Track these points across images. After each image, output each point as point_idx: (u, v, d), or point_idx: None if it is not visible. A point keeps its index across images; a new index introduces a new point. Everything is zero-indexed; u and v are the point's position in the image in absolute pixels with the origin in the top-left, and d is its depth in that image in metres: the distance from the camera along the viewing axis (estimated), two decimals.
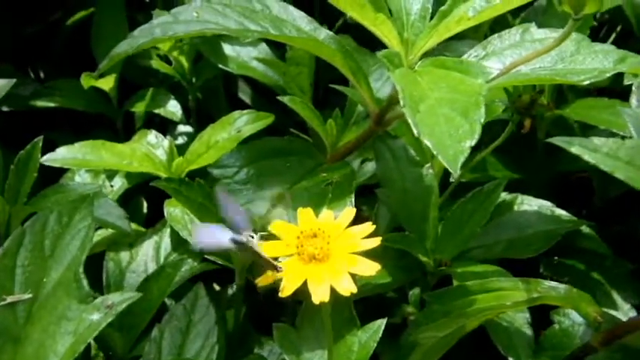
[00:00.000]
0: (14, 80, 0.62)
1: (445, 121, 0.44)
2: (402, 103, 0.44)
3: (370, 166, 0.75)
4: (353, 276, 0.46)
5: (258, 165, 0.58)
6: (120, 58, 0.53)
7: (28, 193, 0.61)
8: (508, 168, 0.77)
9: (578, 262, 0.72)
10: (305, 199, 0.56)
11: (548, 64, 0.56)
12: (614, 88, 0.77)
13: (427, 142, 0.43)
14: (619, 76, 0.79)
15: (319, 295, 0.45)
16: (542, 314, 0.63)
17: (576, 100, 0.76)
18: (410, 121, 0.44)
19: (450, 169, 0.43)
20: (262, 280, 0.47)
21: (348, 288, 0.45)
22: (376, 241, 0.48)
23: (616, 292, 0.70)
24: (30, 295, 0.45)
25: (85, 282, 0.45)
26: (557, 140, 0.45)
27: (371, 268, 0.46)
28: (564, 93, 0.78)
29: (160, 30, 0.56)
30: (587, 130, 0.77)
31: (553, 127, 0.76)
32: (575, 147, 0.43)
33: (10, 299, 0.44)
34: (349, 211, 0.50)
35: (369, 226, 0.49)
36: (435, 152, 0.43)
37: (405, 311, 0.69)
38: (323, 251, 0.47)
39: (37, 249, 0.46)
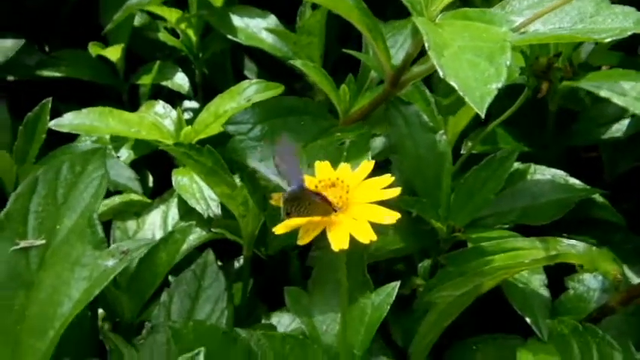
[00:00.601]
0: (23, 41, 0.61)
1: (470, 66, 0.44)
2: (427, 46, 0.44)
3: (379, 142, 0.74)
4: (373, 226, 0.46)
5: (273, 122, 0.57)
6: (133, 9, 0.52)
7: (36, 155, 0.61)
8: (518, 141, 0.76)
9: (589, 237, 0.71)
10: (320, 157, 0.55)
11: (568, 24, 0.55)
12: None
13: (453, 83, 0.43)
14: (630, 52, 0.79)
15: (338, 243, 0.44)
16: (556, 282, 0.63)
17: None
18: (435, 63, 0.43)
19: (476, 110, 0.42)
20: (280, 229, 0.46)
21: (367, 236, 0.45)
22: (396, 192, 0.47)
23: (627, 267, 0.69)
24: (43, 241, 0.44)
25: (99, 228, 0.44)
26: (586, 85, 0.44)
27: (391, 217, 0.45)
28: (576, 70, 0.78)
29: None
30: (598, 102, 0.76)
31: (564, 100, 0.76)
32: (604, 91, 0.43)
33: (23, 244, 0.44)
34: (367, 164, 0.49)
35: (387, 177, 0.48)
36: (461, 93, 0.42)
37: (414, 283, 0.68)
38: (342, 200, 0.46)
39: (50, 196, 0.45)
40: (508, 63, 0.44)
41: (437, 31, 0.47)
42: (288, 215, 0.46)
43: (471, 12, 0.50)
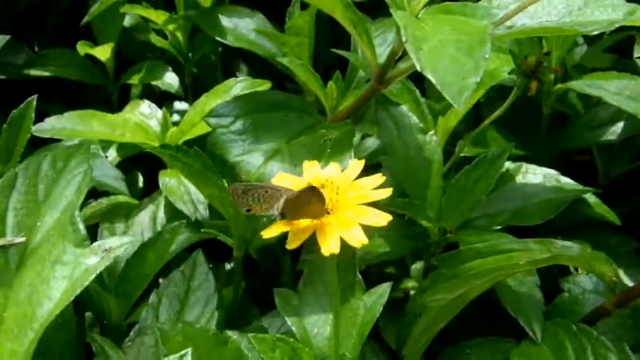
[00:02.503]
0: (8, 37, 0.60)
1: (449, 60, 0.43)
2: (404, 39, 0.43)
3: (370, 142, 0.73)
4: (363, 229, 0.44)
5: (255, 117, 0.57)
6: (110, 2, 0.51)
7: (21, 154, 0.59)
8: (511, 143, 0.75)
9: (583, 240, 0.71)
10: (302, 153, 0.55)
11: (555, 17, 0.54)
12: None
13: (430, 78, 0.42)
14: (622, 57, 0.78)
15: (329, 247, 0.43)
16: (550, 285, 0.62)
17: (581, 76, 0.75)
18: (413, 57, 0.42)
19: (453, 104, 0.41)
20: (268, 232, 0.45)
21: (359, 239, 0.43)
22: (387, 192, 0.46)
23: (622, 270, 0.69)
24: (23, 239, 0.43)
25: (81, 225, 0.43)
26: (578, 84, 0.43)
27: (382, 219, 0.44)
28: (568, 72, 0.77)
29: None
30: (592, 106, 0.76)
31: (558, 103, 0.75)
32: (597, 90, 0.42)
33: (2, 242, 0.42)
34: (357, 163, 0.48)
35: (379, 177, 0.47)
36: (438, 87, 0.42)
37: (407, 285, 0.68)
38: (332, 202, 0.45)
39: (30, 193, 0.44)
40: (487, 56, 0.43)
41: (418, 24, 0.46)
42: (283, 216, 0.45)
43: (453, 6, 0.49)
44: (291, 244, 0.45)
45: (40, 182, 0.45)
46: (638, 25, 0.52)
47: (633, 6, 0.52)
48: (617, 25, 0.50)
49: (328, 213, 0.45)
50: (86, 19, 0.54)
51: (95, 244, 0.42)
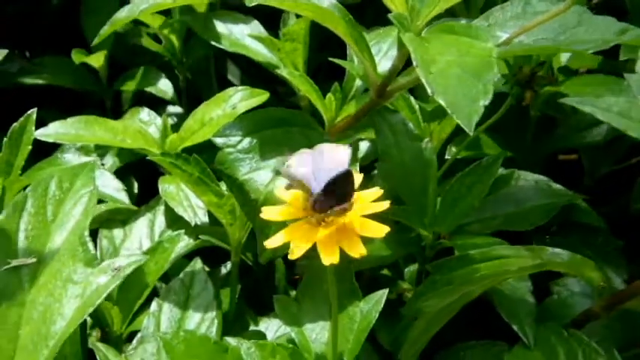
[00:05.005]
0: (6, 51, 0.61)
1: (458, 82, 0.44)
2: (414, 63, 0.44)
3: (364, 146, 0.74)
4: (361, 239, 0.46)
5: (261, 134, 0.57)
6: (121, 24, 0.52)
7: (22, 167, 0.60)
8: (501, 146, 0.77)
9: (571, 240, 0.72)
10: None
11: (551, 35, 0.56)
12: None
13: (441, 101, 0.43)
14: (610, 55, 0.80)
15: (329, 257, 0.45)
16: (540, 286, 0.64)
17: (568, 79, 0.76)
18: (423, 80, 0.43)
19: (464, 128, 0.42)
20: (271, 242, 0.46)
21: (358, 250, 0.45)
22: (385, 205, 0.47)
23: (610, 269, 0.70)
24: (34, 259, 0.44)
25: (90, 245, 0.44)
26: (570, 100, 0.45)
27: (380, 230, 0.46)
28: (556, 75, 0.78)
29: None
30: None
31: (545, 106, 0.77)
32: (588, 106, 0.43)
33: (14, 262, 0.43)
34: (357, 177, 0.50)
35: (376, 191, 0.48)
36: (449, 111, 0.43)
37: (401, 287, 0.69)
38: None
39: (39, 214, 0.45)
40: (496, 79, 0.45)
41: (424, 45, 0.47)
42: (315, 204, 0.46)
43: (457, 26, 0.50)
44: (293, 255, 0.46)
45: (49, 203, 0.45)
46: (630, 44, 0.54)
47: (624, 25, 0.54)
48: (611, 45, 0.52)
49: (346, 210, 0.46)
50: (96, 40, 0.54)
51: (105, 263, 0.43)
